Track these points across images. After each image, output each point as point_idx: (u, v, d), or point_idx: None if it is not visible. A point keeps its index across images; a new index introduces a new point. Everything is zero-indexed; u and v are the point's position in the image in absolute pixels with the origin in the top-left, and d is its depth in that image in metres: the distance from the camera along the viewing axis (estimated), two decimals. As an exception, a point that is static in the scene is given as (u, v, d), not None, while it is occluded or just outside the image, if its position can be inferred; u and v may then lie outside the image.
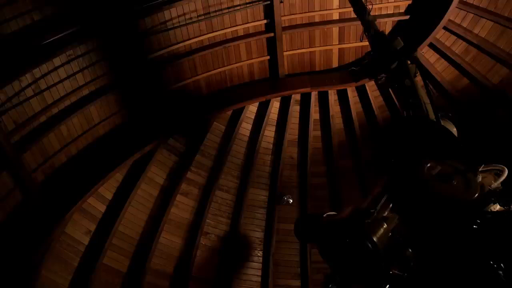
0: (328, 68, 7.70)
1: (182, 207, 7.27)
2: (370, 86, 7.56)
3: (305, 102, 7.80)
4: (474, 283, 1.48)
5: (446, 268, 1.58)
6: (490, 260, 1.51)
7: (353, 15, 6.66)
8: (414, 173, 1.93)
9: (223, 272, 7.34)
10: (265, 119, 7.70)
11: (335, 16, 7.13)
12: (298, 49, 7.44)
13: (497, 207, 2.01)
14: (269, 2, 6.61)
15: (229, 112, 7.65)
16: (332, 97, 7.70)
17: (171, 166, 7.27)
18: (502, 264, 1.52)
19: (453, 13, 6.64)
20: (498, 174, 2.13)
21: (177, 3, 6.14)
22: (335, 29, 7.26)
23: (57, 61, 5.49)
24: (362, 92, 7.68)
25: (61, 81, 5.67)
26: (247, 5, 6.62)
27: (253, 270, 7.52)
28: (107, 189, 6.55)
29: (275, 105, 7.85)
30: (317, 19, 7.15)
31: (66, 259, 6.00)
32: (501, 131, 6.66)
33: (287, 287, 7.56)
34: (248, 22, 6.87)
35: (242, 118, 7.61)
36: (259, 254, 7.59)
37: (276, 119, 7.92)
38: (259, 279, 7.47)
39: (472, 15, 6.61)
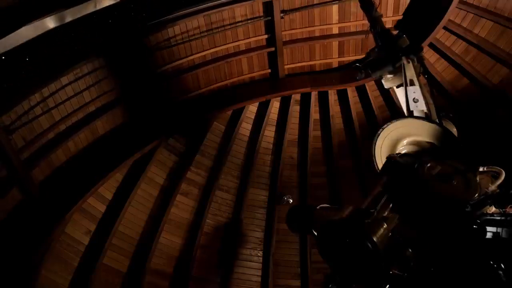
0: (328, 69, 7.71)
1: (182, 207, 7.27)
2: (370, 86, 7.57)
3: (305, 102, 7.80)
4: (474, 283, 1.48)
5: (445, 268, 1.58)
6: (490, 260, 1.51)
7: (352, 29, 7.15)
8: (414, 173, 1.93)
9: (223, 272, 7.34)
10: (265, 119, 7.70)
11: (335, 31, 7.26)
12: (298, 62, 7.56)
13: (492, 209, 2.01)
14: (270, 18, 6.75)
15: (229, 112, 7.66)
16: (332, 97, 7.70)
17: (171, 166, 7.27)
18: (502, 264, 1.52)
19: (453, 13, 6.64)
20: (496, 176, 2.12)
21: (180, 21, 6.29)
22: (334, 43, 7.39)
23: (64, 80, 5.68)
24: (362, 92, 7.69)
25: (68, 98, 5.83)
26: (249, 21, 6.75)
27: (253, 270, 7.52)
28: (107, 189, 6.54)
29: (275, 105, 7.85)
30: (317, 34, 7.28)
31: (66, 259, 6.00)
32: (501, 131, 6.66)
33: (287, 287, 7.56)
34: (249, 37, 7.01)
35: (242, 118, 7.61)
36: (259, 254, 7.59)
37: (276, 119, 7.93)
38: (259, 279, 7.47)
39: (472, 15, 6.61)
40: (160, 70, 6.63)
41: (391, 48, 2.75)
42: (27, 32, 3.89)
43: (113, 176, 6.53)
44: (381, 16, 2.92)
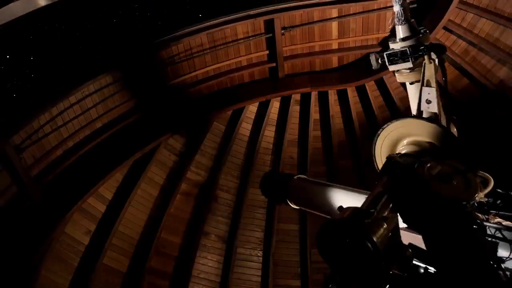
0: (328, 68, 7.72)
1: (182, 207, 7.27)
2: (370, 86, 7.57)
3: (305, 102, 7.80)
4: (474, 283, 1.48)
5: (445, 268, 1.58)
6: (490, 260, 1.51)
7: (351, 44, 7.42)
8: (414, 173, 1.93)
9: (223, 272, 7.34)
10: (265, 119, 7.70)
11: (334, 46, 7.44)
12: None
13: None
14: (271, 34, 6.97)
15: (229, 112, 7.66)
16: (332, 97, 7.70)
17: (171, 166, 7.27)
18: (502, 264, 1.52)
19: (453, 13, 6.64)
20: (485, 183, 2.05)
21: (184, 39, 6.52)
22: (334, 58, 7.59)
23: (72, 98, 5.92)
24: (362, 92, 7.69)
25: (76, 116, 6.04)
26: (250, 38, 7.00)
27: (253, 270, 7.52)
28: (107, 189, 6.54)
29: (275, 105, 7.85)
30: (317, 49, 7.46)
31: (66, 259, 6.00)
32: (501, 131, 6.66)
33: (287, 287, 7.56)
34: (251, 53, 7.24)
35: (242, 118, 7.61)
36: (259, 254, 7.59)
37: (276, 119, 7.93)
38: (259, 279, 7.47)
39: (472, 15, 6.61)
40: (164, 86, 6.84)
41: (414, 43, 2.60)
42: (16, 9, 3.84)
43: (113, 176, 6.53)
44: (410, 4, 2.74)
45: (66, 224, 5.95)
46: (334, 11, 7.01)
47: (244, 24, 6.78)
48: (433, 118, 2.48)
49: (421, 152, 2.32)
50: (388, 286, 1.58)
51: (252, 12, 6.69)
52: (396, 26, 2.68)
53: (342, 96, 7.73)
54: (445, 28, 6.82)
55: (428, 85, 2.56)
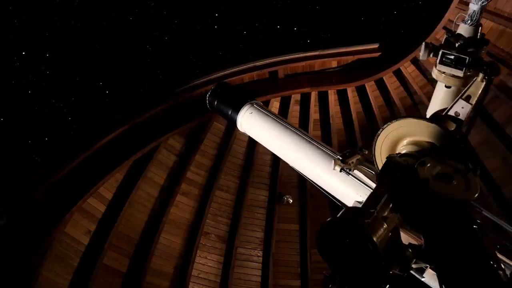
0: (328, 68, 7.72)
1: (182, 207, 7.28)
2: (370, 86, 7.57)
3: (305, 102, 7.80)
4: (474, 283, 1.48)
5: (445, 268, 1.58)
6: (490, 260, 1.51)
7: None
8: (414, 173, 1.93)
9: (223, 272, 7.34)
10: (265, 119, 7.69)
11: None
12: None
13: None
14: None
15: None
16: (332, 97, 7.71)
17: (171, 166, 7.27)
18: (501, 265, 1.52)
19: (453, 13, 6.64)
20: None
21: (195, 91, 6.99)
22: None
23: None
24: (362, 92, 7.69)
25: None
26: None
27: (253, 270, 7.52)
28: (107, 189, 6.55)
29: (275, 105, 7.85)
30: None
31: (66, 259, 6.00)
32: (500, 131, 6.65)
33: (287, 287, 7.56)
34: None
35: (242, 118, 7.61)
36: (259, 254, 7.60)
37: (276, 119, 7.93)
38: (259, 279, 7.47)
39: (472, 15, 6.60)
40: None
41: (473, 54, 2.43)
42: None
43: (113, 176, 6.54)
44: (485, 6, 2.52)
45: (66, 224, 5.96)
46: (334, 62, 7.50)
47: (250, 75, 7.27)
48: (433, 119, 2.47)
49: (421, 152, 2.31)
50: (388, 286, 1.58)
51: (258, 64, 7.17)
52: (462, 24, 2.55)
53: (342, 96, 7.74)
54: (445, 28, 6.82)
55: (467, 100, 2.45)
